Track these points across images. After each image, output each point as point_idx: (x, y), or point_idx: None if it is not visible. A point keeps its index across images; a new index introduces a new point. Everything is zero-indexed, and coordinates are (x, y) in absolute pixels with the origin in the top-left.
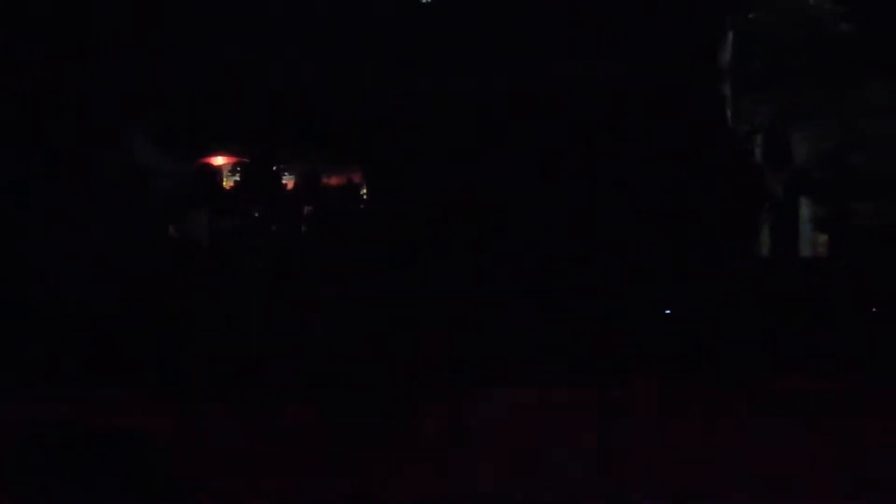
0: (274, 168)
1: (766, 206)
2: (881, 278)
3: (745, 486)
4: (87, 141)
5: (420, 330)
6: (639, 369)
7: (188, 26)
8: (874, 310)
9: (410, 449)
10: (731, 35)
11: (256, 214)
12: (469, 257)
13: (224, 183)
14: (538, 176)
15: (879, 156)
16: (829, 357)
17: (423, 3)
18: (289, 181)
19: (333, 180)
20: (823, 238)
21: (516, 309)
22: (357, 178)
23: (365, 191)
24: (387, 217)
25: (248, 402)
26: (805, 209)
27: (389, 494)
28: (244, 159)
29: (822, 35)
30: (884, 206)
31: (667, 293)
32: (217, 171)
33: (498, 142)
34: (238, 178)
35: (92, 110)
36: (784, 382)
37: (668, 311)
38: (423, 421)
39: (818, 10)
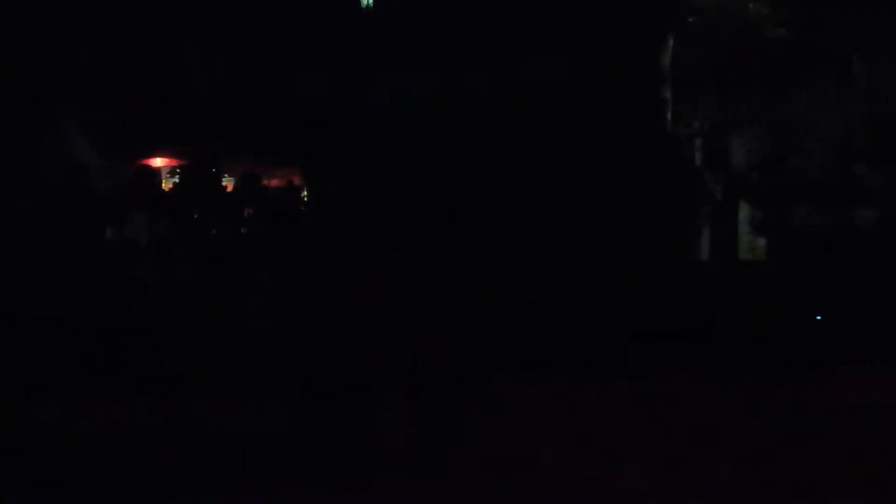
0: (214, 170)
1: (705, 209)
2: (819, 281)
3: None
4: (25, 141)
5: (360, 331)
6: (576, 371)
7: (127, 27)
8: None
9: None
10: (670, 39)
11: (196, 217)
12: (405, 259)
13: (163, 185)
14: (474, 179)
15: (817, 160)
16: (769, 358)
17: (364, 7)
18: (229, 183)
19: (274, 182)
20: (762, 242)
21: (455, 311)
22: (298, 180)
23: (306, 193)
24: (326, 219)
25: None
26: (743, 213)
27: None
28: (184, 161)
29: (761, 40)
30: (821, 210)
31: (606, 296)
32: (156, 172)
33: (435, 145)
34: (177, 181)
35: (31, 110)
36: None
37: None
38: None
39: (756, 15)
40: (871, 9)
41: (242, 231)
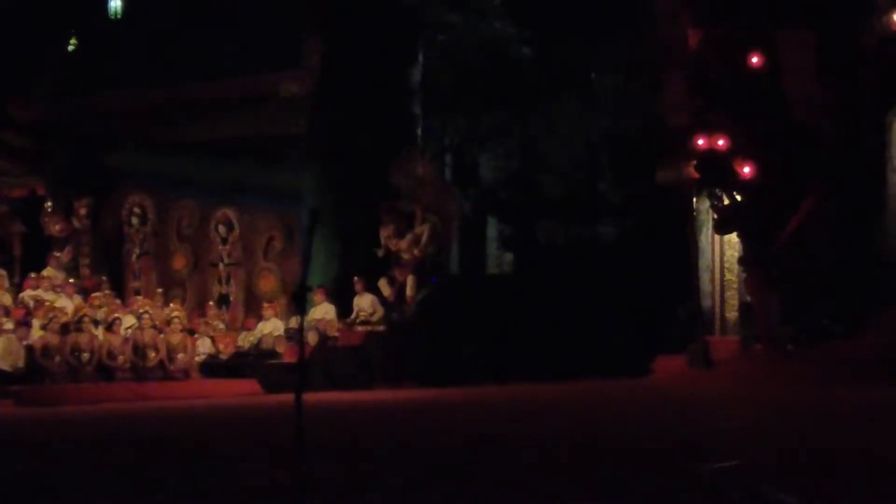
0: None
1: (455, 224)
2: (563, 293)
3: None
4: None
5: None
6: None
7: None
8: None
9: None
10: (420, 55)
11: None
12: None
13: None
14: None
15: (562, 176)
16: (511, 368)
17: (112, 16)
18: None
19: (16, 192)
20: (509, 256)
21: None
22: (41, 189)
23: (50, 204)
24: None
25: None
26: (492, 228)
27: None
28: None
29: (507, 58)
30: (566, 226)
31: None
32: None
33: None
34: None
35: None
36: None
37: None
38: None
39: (502, 34)
40: (610, 31)
41: None
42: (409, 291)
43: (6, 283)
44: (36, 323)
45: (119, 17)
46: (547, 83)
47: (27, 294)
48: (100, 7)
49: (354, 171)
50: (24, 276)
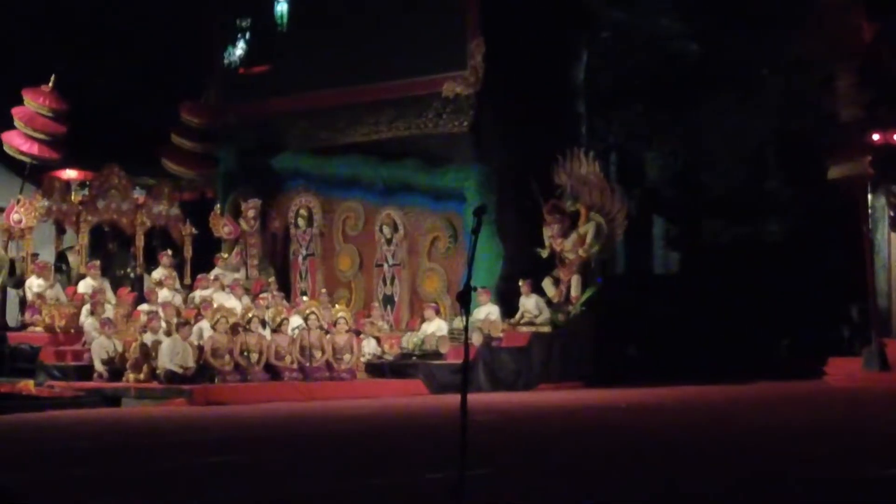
0: None
1: (620, 223)
2: (731, 293)
3: None
4: None
5: None
6: None
7: None
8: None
9: None
10: (584, 54)
11: None
12: None
13: None
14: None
15: (728, 174)
16: (678, 369)
17: (278, 24)
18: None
19: (187, 195)
20: (676, 255)
21: None
22: (211, 192)
23: (219, 206)
24: None
25: None
26: (658, 227)
27: None
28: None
29: (671, 55)
30: (732, 225)
31: None
32: None
33: None
34: None
35: None
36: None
37: None
38: None
39: (668, 30)
40: (778, 25)
41: None
42: (573, 291)
43: (177, 284)
44: (205, 323)
45: (285, 22)
46: (713, 79)
47: (197, 294)
48: (267, 13)
49: (519, 171)
50: (194, 277)
